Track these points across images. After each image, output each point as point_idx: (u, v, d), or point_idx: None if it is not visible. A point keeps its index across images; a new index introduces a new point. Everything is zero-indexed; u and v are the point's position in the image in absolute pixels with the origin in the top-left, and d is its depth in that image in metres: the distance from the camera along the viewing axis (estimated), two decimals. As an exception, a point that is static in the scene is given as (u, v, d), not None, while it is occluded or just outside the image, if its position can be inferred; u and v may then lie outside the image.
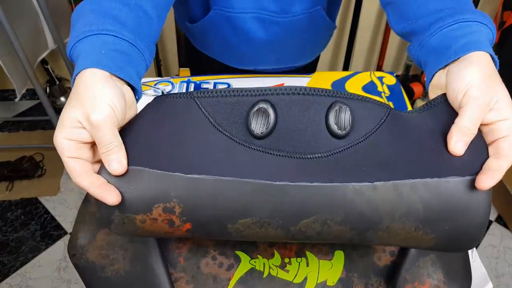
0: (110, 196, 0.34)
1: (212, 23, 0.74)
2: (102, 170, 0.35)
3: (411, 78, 2.05)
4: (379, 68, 1.95)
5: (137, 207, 0.34)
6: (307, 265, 0.46)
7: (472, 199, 0.34)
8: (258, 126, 0.35)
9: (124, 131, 0.37)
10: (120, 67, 0.37)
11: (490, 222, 1.56)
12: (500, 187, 1.47)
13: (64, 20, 1.68)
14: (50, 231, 1.52)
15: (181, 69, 1.58)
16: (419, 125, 0.38)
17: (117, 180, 0.35)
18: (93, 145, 0.37)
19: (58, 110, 1.95)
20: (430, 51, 0.44)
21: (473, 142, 0.36)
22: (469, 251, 0.58)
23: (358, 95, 0.37)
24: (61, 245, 1.48)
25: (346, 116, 0.35)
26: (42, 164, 1.71)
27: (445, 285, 0.45)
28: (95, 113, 0.34)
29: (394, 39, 1.95)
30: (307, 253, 0.47)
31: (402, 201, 0.34)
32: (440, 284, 0.45)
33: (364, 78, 0.88)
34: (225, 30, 0.74)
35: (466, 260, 0.48)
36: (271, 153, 0.35)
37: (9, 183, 1.66)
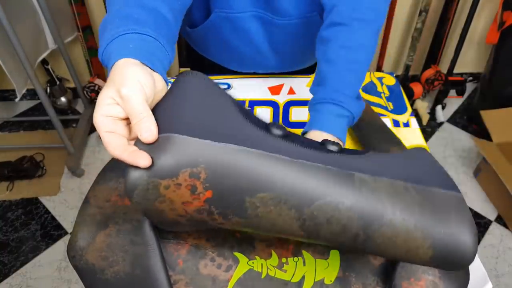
0: (142, 159, 0.35)
1: (213, 26, 0.75)
2: (136, 142, 0.38)
3: (410, 78, 2.05)
4: (379, 68, 1.95)
5: (165, 171, 0.35)
6: (304, 264, 0.46)
7: (456, 208, 0.39)
8: (276, 130, 0.40)
9: (155, 107, 0.40)
10: (146, 57, 0.42)
11: (490, 222, 1.56)
12: (500, 187, 1.48)
13: (64, 20, 1.69)
14: (51, 231, 1.52)
15: (181, 69, 1.58)
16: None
17: (148, 147, 0.36)
18: (129, 123, 0.40)
19: (59, 110, 1.96)
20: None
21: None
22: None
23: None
24: (61, 245, 1.48)
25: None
26: (43, 164, 1.72)
27: (441, 280, 0.45)
28: (124, 87, 0.37)
29: (394, 40, 1.95)
30: (304, 252, 0.47)
31: (399, 196, 0.38)
32: (435, 279, 0.45)
33: (363, 78, 0.89)
34: (226, 32, 0.75)
35: None
36: (289, 142, 0.39)
37: (10, 183, 1.66)
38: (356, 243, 0.37)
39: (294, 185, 0.36)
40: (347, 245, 0.38)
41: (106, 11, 0.48)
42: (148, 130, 0.36)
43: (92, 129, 1.91)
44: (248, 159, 0.36)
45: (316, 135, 0.57)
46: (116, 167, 0.51)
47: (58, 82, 1.91)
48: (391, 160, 0.42)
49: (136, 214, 0.45)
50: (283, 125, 0.41)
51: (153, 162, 0.36)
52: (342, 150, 0.42)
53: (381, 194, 0.37)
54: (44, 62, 1.81)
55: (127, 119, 0.39)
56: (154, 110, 0.39)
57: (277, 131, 0.39)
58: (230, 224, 0.38)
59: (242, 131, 0.38)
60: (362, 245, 0.38)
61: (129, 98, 0.37)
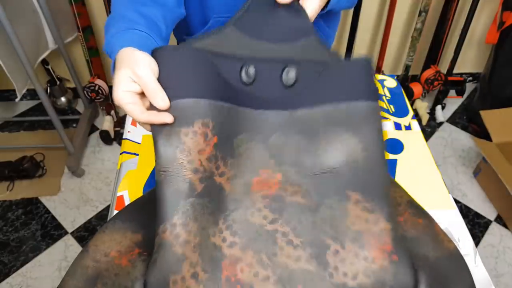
0: (166, 116, 0.48)
1: None
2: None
3: (410, 79, 2.05)
4: (378, 68, 1.95)
5: (183, 120, 0.48)
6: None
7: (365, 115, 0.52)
8: (245, 78, 0.54)
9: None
10: (142, 48, 0.51)
11: (490, 222, 1.56)
12: (499, 187, 1.48)
13: (65, 20, 1.68)
14: (51, 230, 1.52)
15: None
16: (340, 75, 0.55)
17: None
18: (141, 97, 0.50)
19: (59, 110, 1.96)
20: None
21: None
22: (472, 256, 0.59)
23: (312, 60, 0.55)
24: (61, 245, 1.48)
25: (291, 74, 0.54)
26: (43, 164, 1.72)
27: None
28: (139, 69, 0.48)
29: (394, 40, 1.95)
30: None
31: (328, 118, 0.53)
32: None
33: (365, 80, 0.89)
34: None
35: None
36: (254, 94, 0.54)
37: (10, 183, 1.66)
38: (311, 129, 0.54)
39: (255, 127, 0.54)
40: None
41: (110, 11, 0.62)
42: (162, 100, 0.48)
43: (92, 129, 1.91)
44: (232, 113, 0.52)
45: None
46: (128, 218, 0.54)
47: (58, 82, 1.91)
48: (329, 90, 0.54)
49: (126, 279, 0.44)
50: (252, 70, 0.54)
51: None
52: (294, 84, 0.55)
53: (317, 116, 0.53)
54: (44, 62, 1.80)
55: (141, 93, 0.49)
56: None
57: (246, 78, 0.54)
58: (227, 171, 0.51)
59: (228, 89, 0.53)
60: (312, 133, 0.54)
61: (144, 77, 0.47)
